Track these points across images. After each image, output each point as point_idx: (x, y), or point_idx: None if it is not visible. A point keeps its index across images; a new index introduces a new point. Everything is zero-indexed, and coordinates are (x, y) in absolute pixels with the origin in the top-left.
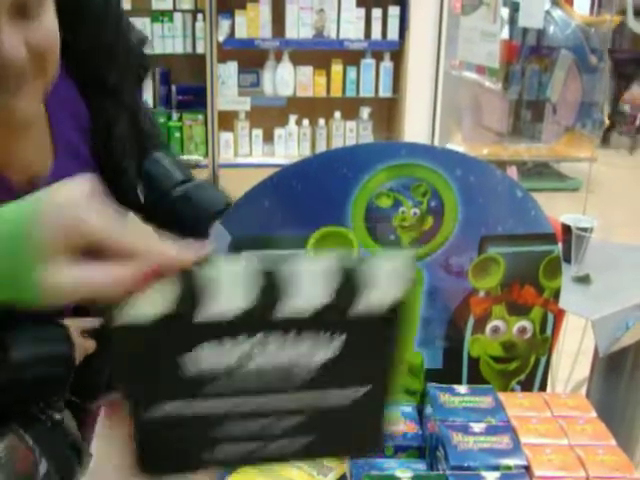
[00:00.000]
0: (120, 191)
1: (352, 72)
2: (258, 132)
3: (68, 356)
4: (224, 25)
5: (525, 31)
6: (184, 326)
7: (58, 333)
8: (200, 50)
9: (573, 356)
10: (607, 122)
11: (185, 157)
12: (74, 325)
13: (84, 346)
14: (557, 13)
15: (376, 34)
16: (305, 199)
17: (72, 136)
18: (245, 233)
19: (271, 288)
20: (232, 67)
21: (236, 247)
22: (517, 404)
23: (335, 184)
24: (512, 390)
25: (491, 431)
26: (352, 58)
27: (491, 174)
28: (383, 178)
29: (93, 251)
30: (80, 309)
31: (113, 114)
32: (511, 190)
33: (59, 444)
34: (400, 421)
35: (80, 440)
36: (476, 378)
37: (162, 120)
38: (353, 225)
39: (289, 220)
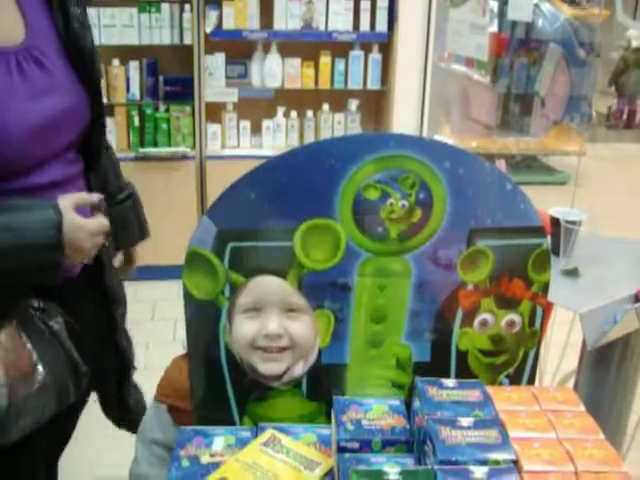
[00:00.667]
0: (84, 70)
1: (340, 64)
2: (246, 124)
3: (57, 220)
4: (212, 16)
5: (514, 24)
6: None
7: (46, 204)
8: (187, 41)
9: (561, 348)
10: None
11: (172, 149)
12: (69, 201)
13: (99, 223)
14: (546, 6)
15: (365, 26)
16: (292, 191)
17: (37, 14)
18: (231, 226)
19: None
20: (220, 58)
21: (222, 240)
22: (505, 398)
23: (322, 176)
24: (500, 383)
25: (479, 425)
26: (340, 50)
27: (480, 166)
28: (371, 170)
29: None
30: None
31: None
32: (500, 183)
33: (55, 356)
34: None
35: (78, 359)
36: (464, 371)
37: (149, 111)
38: (340, 217)
39: (276, 212)
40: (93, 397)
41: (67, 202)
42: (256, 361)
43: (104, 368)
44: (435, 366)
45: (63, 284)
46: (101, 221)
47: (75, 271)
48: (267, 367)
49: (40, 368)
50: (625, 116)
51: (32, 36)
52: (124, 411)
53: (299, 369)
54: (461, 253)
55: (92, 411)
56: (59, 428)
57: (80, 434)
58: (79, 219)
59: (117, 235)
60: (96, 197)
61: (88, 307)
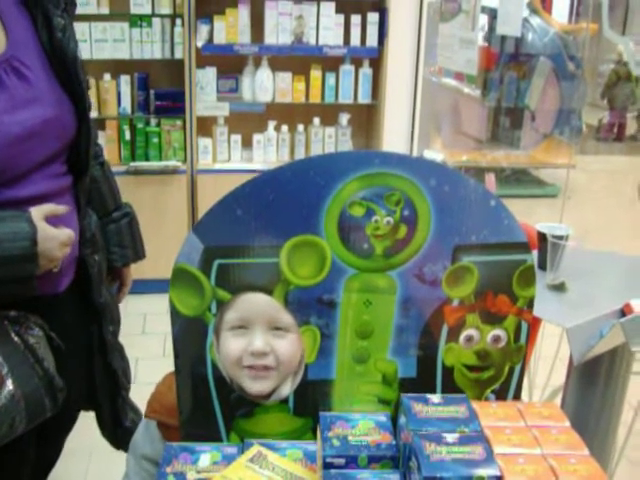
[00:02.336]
0: (68, 81)
1: (331, 78)
2: (237, 138)
3: (32, 232)
4: (203, 30)
5: (504, 38)
6: None
7: (19, 214)
8: (179, 55)
9: (550, 362)
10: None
11: (164, 163)
12: (41, 212)
13: (68, 233)
14: (535, 21)
15: (355, 40)
16: (278, 207)
17: (19, 25)
18: (218, 242)
19: None
20: (211, 73)
21: (208, 256)
22: (491, 413)
23: (308, 193)
24: (486, 399)
25: (464, 441)
26: (331, 64)
27: (464, 183)
28: (356, 187)
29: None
30: None
31: (50, 10)
32: (484, 199)
33: (29, 370)
34: (374, 431)
35: (53, 374)
36: (450, 387)
37: (140, 125)
38: (326, 234)
39: (262, 229)
40: (85, 414)
41: (39, 213)
42: (244, 380)
43: (96, 386)
44: (421, 382)
45: (48, 299)
46: (69, 232)
47: (60, 287)
48: (255, 386)
49: (9, 382)
50: (615, 129)
51: (13, 47)
52: (119, 431)
53: (287, 388)
54: (446, 269)
55: (83, 426)
56: (47, 444)
57: (71, 449)
58: (51, 229)
59: (111, 253)
60: (62, 208)
61: (75, 323)
